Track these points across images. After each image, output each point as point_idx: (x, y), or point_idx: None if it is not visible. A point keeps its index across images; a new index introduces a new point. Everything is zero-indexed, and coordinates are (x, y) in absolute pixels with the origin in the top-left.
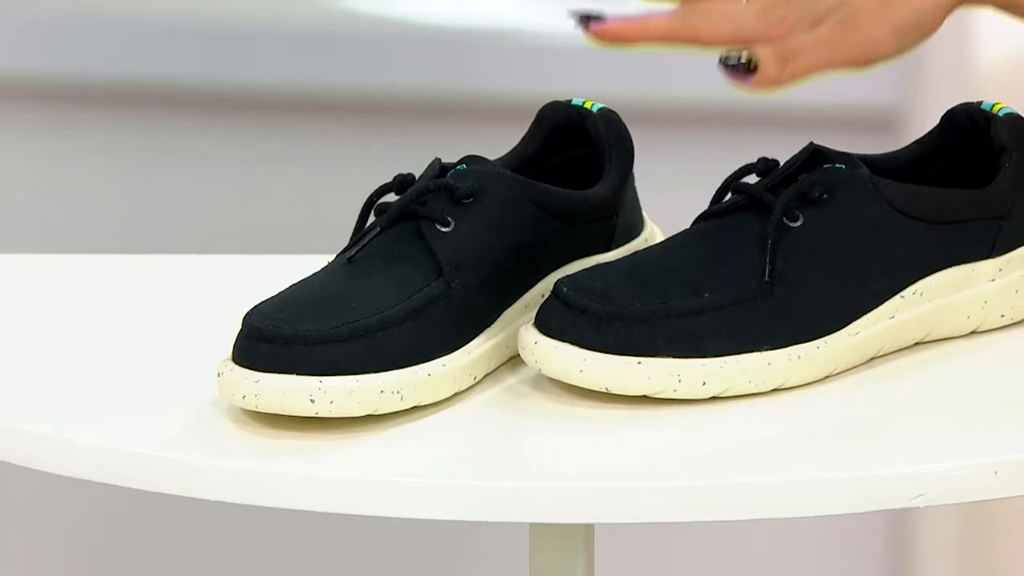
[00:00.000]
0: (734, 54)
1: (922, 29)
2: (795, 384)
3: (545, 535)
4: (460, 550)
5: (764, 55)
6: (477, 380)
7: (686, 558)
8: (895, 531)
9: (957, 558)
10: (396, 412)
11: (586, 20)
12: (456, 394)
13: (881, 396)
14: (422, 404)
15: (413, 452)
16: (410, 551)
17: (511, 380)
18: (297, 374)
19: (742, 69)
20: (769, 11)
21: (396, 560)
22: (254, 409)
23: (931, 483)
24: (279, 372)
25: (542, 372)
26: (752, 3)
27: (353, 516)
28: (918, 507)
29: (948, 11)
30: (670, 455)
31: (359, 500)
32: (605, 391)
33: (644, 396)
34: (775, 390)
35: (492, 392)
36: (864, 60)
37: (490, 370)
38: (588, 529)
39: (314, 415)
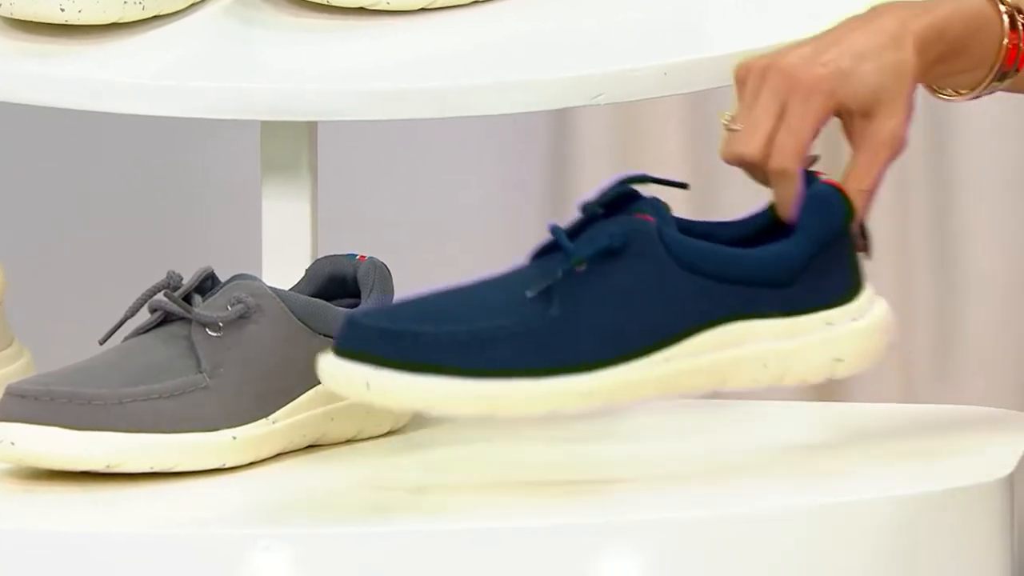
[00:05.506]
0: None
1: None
2: None
3: (274, 132)
4: (197, 147)
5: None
6: None
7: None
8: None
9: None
10: (139, 21)
11: None
12: (192, 5)
13: (568, 14)
14: (162, 14)
15: (155, 57)
16: (156, 158)
17: None
18: None
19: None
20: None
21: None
22: (8, 16)
23: (609, 84)
24: None
25: None
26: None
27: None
28: (598, 104)
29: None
30: (384, 61)
31: (116, 100)
32: (326, 4)
33: (361, 8)
34: (474, 2)
35: (226, 3)
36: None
37: None
38: (312, 126)
39: (64, 23)
